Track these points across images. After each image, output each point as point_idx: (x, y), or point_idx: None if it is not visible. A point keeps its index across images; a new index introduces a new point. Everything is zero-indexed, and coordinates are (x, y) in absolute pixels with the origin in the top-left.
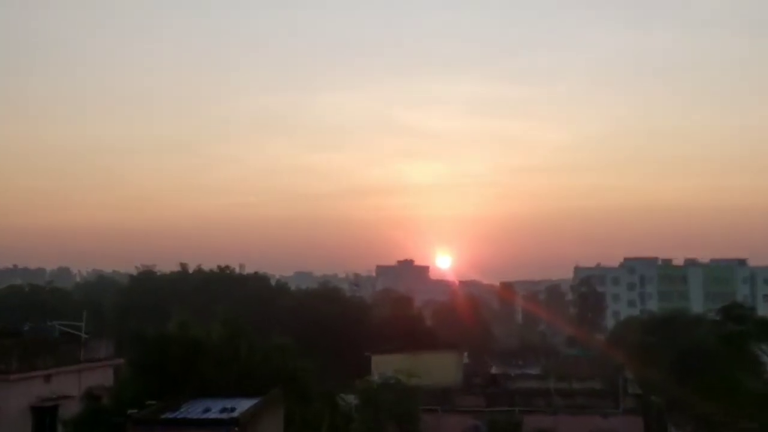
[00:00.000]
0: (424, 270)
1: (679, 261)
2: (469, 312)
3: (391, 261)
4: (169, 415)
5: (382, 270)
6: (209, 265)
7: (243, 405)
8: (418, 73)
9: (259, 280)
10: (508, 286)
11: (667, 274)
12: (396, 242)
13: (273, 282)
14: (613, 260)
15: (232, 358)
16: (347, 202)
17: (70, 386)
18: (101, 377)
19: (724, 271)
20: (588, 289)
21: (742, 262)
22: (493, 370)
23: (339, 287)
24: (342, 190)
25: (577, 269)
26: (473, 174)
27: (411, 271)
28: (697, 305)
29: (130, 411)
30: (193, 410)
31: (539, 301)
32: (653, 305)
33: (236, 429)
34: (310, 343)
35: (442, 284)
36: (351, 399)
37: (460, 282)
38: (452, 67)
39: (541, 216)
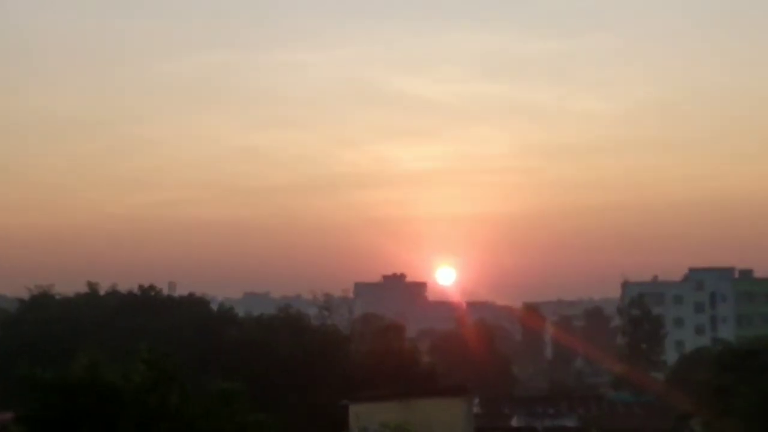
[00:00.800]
0: (419, 288)
1: (762, 272)
2: (481, 344)
3: (375, 276)
4: None
5: (362, 289)
6: (127, 284)
7: None
8: (409, 22)
9: (195, 304)
10: (533, 309)
11: (746, 290)
12: (381, 251)
13: (215, 307)
14: (675, 272)
15: (159, 412)
16: (313, 197)
17: None
18: None
19: None
20: (641, 311)
21: None
22: (515, 422)
23: (304, 313)
24: (305, 181)
25: (626, 285)
26: (485, 158)
27: (401, 289)
28: None
29: None
30: None
31: (575, 328)
32: (729, 332)
33: None
34: (266, 390)
35: (443, 307)
36: None
37: (469, 304)
38: (456, 14)
39: (577, 214)
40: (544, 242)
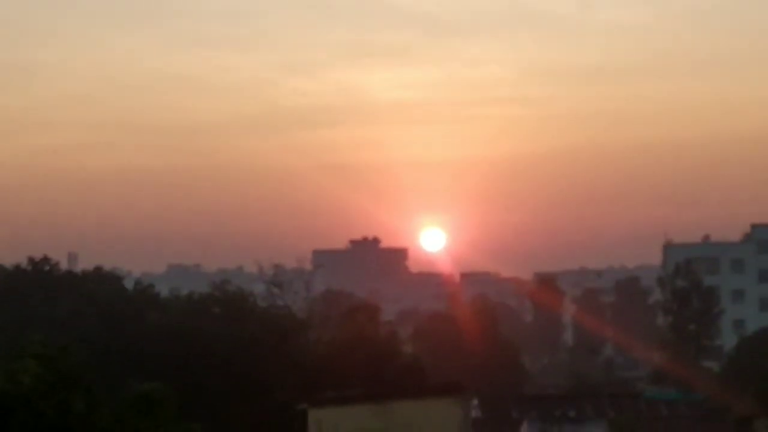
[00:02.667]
0: (397, 257)
1: None
2: (481, 329)
3: (340, 242)
4: None
5: (323, 258)
6: (13, 256)
7: None
8: None
9: (103, 281)
10: (547, 282)
11: None
12: (347, 209)
13: (129, 284)
14: (733, 231)
15: (58, 423)
16: (254, 139)
17: None
18: None
19: None
20: (689, 281)
21: None
22: (525, 429)
23: (247, 291)
24: (243, 118)
25: (669, 248)
26: (479, 85)
27: (375, 258)
28: None
29: None
30: None
31: (603, 305)
32: None
33: None
34: (199, 392)
35: (430, 281)
36: None
37: (464, 276)
38: None
39: (603, 157)
40: (560, 194)
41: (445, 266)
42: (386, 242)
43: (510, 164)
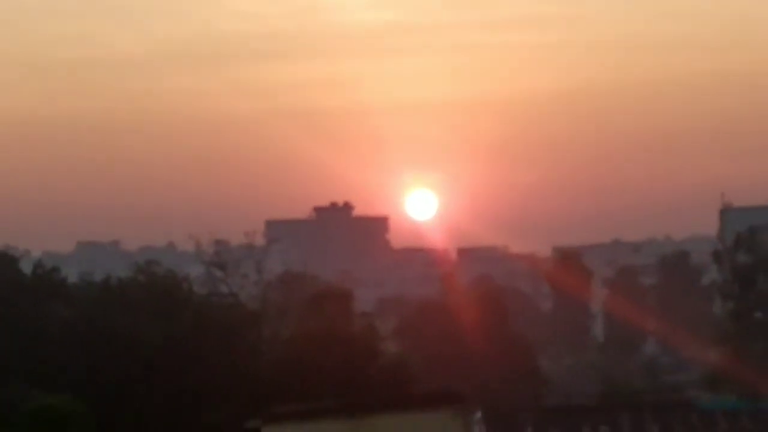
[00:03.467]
0: (375, 227)
1: None
2: (485, 321)
3: (300, 210)
4: None
5: (279, 230)
6: None
7: None
8: None
9: None
10: (571, 259)
11: None
12: (309, 167)
13: (28, 268)
14: None
15: None
16: (189, 76)
17: None
18: None
19: None
20: (755, 255)
21: None
22: None
23: (180, 274)
24: (175, 48)
25: (727, 212)
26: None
27: (346, 230)
28: None
29: None
30: None
31: (644, 288)
32: None
33: None
34: (118, 406)
35: (417, 259)
36: None
37: (462, 252)
38: None
39: (644, 93)
40: (588, 146)
41: (438, 240)
42: (361, 209)
43: (522, 106)
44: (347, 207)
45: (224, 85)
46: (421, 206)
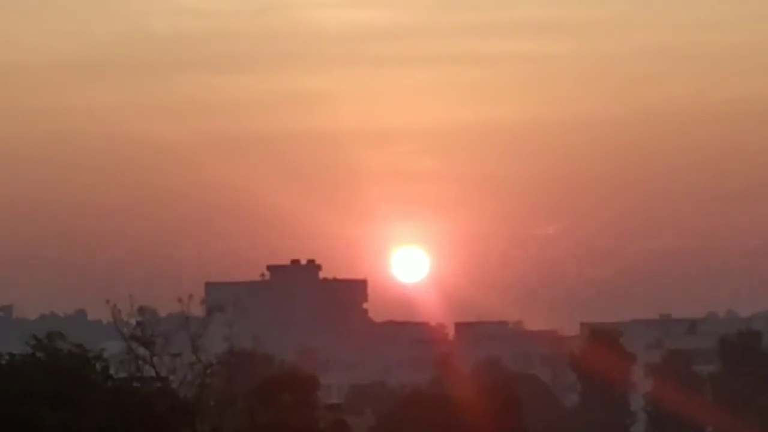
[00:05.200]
0: (350, 294)
1: None
2: (493, 418)
3: (251, 269)
4: None
5: (222, 294)
6: None
7: None
8: None
9: None
10: (605, 338)
11: None
12: (263, 213)
13: None
14: None
15: None
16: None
17: None
18: None
19: None
20: None
21: None
22: None
23: (93, 351)
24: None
25: None
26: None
27: (311, 296)
28: None
29: None
30: None
31: (700, 377)
32: None
33: None
34: None
35: (404, 335)
36: None
37: (462, 328)
38: None
39: (705, 117)
40: (624, 185)
41: (431, 311)
42: (330, 269)
43: (539, 134)
44: (312, 266)
45: (149, 102)
46: (409, 267)
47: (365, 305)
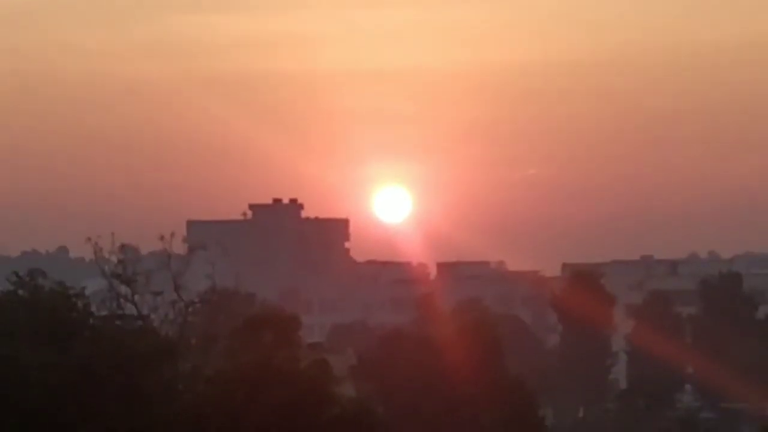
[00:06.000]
0: (332, 233)
1: None
2: (473, 359)
3: (232, 207)
4: None
5: (203, 232)
6: None
7: None
8: None
9: None
10: (587, 280)
11: None
12: (244, 152)
13: None
14: None
15: None
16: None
17: None
18: None
19: None
20: None
21: None
22: None
23: (75, 288)
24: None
25: None
26: None
27: (293, 235)
28: None
29: None
30: None
31: (681, 319)
32: None
33: None
34: None
35: (385, 275)
36: None
37: (444, 268)
38: None
39: (690, 53)
40: (606, 128)
41: (412, 250)
42: (312, 209)
43: (522, 77)
44: (294, 205)
45: (132, 44)
46: (391, 206)
47: (347, 245)
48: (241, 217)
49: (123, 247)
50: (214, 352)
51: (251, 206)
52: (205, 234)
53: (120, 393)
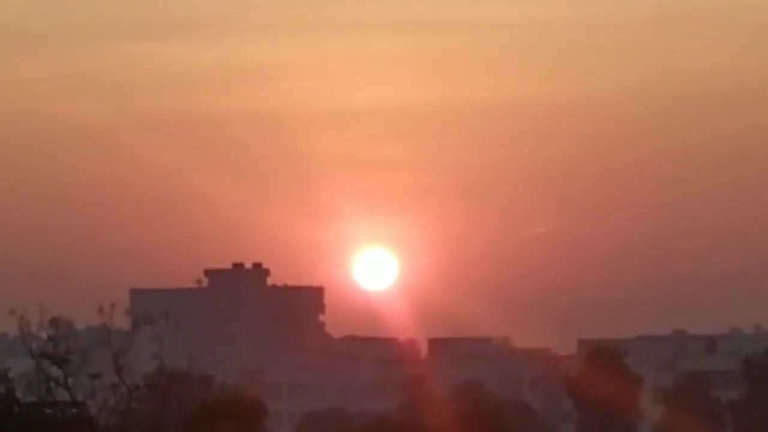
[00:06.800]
0: (304, 303)
1: None
2: None
3: (185, 274)
4: None
5: (151, 303)
6: None
7: None
8: None
9: None
10: (608, 358)
11: None
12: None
13: None
14: None
15: None
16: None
17: None
18: None
19: None
20: None
21: None
22: None
23: None
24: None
25: None
26: None
27: (256, 304)
28: None
29: None
30: None
31: (719, 404)
32: None
33: None
34: None
35: (368, 354)
36: None
37: (437, 345)
38: None
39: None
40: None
41: (399, 324)
42: (279, 274)
43: (525, 116)
44: (258, 270)
45: (60, 76)
46: (373, 271)
47: (321, 317)
48: (195, 285)
49: (54, 321)
50: None
51: (207, 272)
52: (151, 305)
53: None
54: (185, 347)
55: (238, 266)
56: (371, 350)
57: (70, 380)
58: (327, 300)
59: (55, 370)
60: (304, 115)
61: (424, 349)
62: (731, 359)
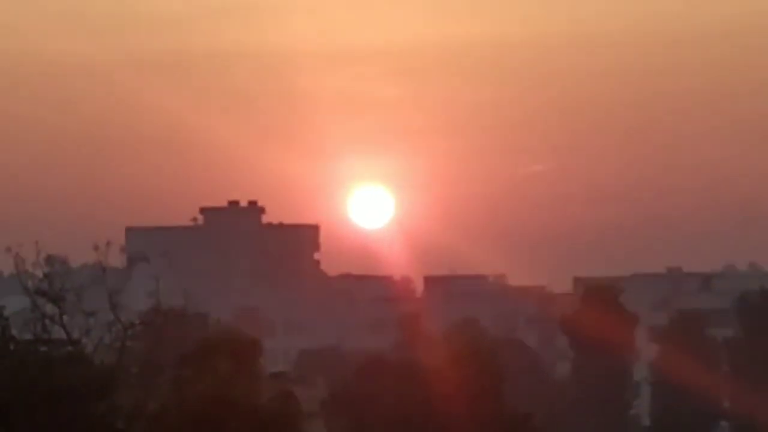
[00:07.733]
0: (299, 241)
1: None
2: (468, 389)
3: (181, 212)
4: None
5: (146, 241)
6: None
7: None
8: None
9: None
10: (602, 296)
11: None
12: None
13: None
14: None
15: None
16: None
17: None
18: None
19: None
20: None
21: None
22: None
23: None
24: None
25: None
26: None
27: (253, 244)
28: None
29: None
30: None
31: (715, 344)
32: None
33: None
34: None
35: (363, 291)
36: None
37: (432, 282)
38: None
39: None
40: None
41: (394, 262)
42: (274, 213)
43: (526, 53)
44: (253, 209)
45: (54, 17)
46: (369, 209)
47: (317, 255)
48: (191, 223)
49: (49, 259)
50: (159, 383)
51: (202, 210)
52: (147, 243)
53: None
54: (180, 285)
55: (233, 204)
56: (367, 288)
57: (65, 318)
58: (323, 238)
59: (50, 308)
60: (301, 53)
61: (419, 286)
62: (726, 297)
